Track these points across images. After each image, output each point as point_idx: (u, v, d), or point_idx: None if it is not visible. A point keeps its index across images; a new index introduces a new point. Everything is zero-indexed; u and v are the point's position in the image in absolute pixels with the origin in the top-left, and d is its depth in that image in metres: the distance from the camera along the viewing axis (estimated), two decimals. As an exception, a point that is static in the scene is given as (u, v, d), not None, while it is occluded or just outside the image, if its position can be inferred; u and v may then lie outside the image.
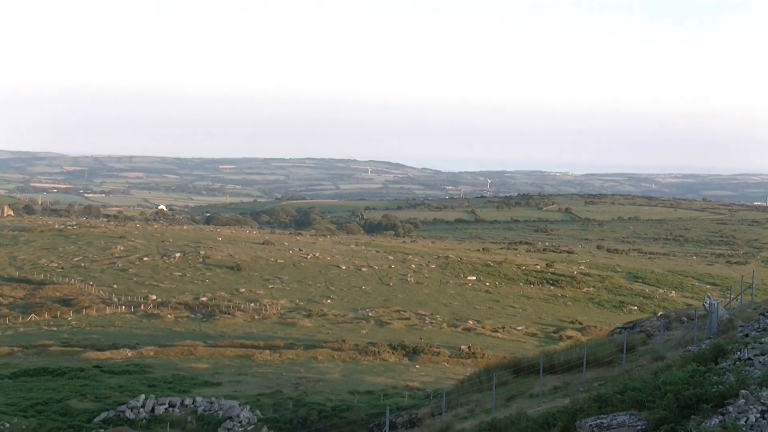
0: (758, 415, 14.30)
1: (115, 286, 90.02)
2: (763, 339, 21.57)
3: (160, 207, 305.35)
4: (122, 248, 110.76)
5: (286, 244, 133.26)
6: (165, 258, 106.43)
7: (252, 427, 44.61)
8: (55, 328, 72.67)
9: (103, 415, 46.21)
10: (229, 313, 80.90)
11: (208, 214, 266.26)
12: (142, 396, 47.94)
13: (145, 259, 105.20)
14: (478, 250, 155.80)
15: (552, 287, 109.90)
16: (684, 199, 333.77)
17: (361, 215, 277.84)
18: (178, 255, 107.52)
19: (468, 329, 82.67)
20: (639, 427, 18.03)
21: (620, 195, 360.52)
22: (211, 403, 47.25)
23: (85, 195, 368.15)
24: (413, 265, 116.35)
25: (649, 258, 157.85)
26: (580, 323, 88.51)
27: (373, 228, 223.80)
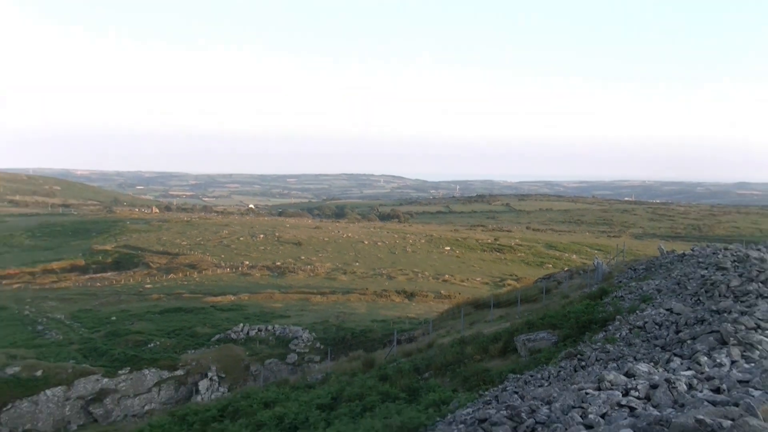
0: (627, 331, 14.49)
1: (222, 256, 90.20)
2: (630, 284, 21.74)
3: (250, 206, 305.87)
4: (226, 232, 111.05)
5: (329, 228, 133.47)
6: (253, 237, 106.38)
7: (310, 342, 45.01)
8: (186, 283, 73.11)
9: (217, 336, 46.75)
10: (294, 272, 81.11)
11: (280, 210, 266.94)
12: (241, 324, 48.44)
13: (241, 238, 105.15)
14: (451, 230, 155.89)
15: (498, 253, 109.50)
16: (581, 197, 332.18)
17: (377, 209, 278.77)
18: (261, 236, 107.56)
19: (445, 281, 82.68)
20: (553, 340, 18.26)
21: (541, 195, 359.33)
22: (285, 328, 47.68)
23: (203, 199, 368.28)
24: (410, 240, 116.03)
25: (559, 234, 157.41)
26: (516, 276, 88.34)
27: (384, 217, 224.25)
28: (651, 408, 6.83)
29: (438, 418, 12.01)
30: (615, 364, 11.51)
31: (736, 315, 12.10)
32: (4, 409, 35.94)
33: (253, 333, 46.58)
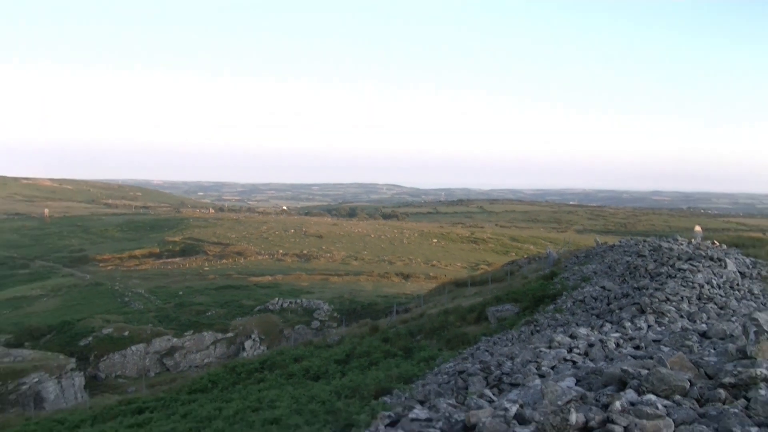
0: (571, 303, 14.50)
1: (262, 246, 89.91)
2: (573, 267, 21.72)
3: (283, 207, 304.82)
4: (265, 228, 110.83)
5: (344, 225, 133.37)
6: (285, 232, 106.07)
7: (329, 312, 44.99)
8: (234, 266, 73.04)
9: (258, 307, 46.77)
10: (317, 258, 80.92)
11: (306, 211, 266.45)
12: (277, 298, 48.46)
13: (276, 232, 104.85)
14: (437, 227, 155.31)
15: (473, 244, 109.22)
16: (537, 201, 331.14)
17: (380, 211, 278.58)
18: (292, 230, 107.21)
19: (433, 265, 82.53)
20: (515, 311, 18.24)
21: (506, 200, 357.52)
22: (310, 301, 47.68)
23: (248, 202, 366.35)
24: (406, 234, 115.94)
25: (520, 229, 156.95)
26: (487, 262, 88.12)
27: (386, 216, 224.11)
28: (589, 361, 6.87)
29: (427, 371, 12.02)
30: (562, 329, 11.55)
31: (651, 291, 12.14)
32: (102, 359, 36.14)
33: (285, 305, 46.59)
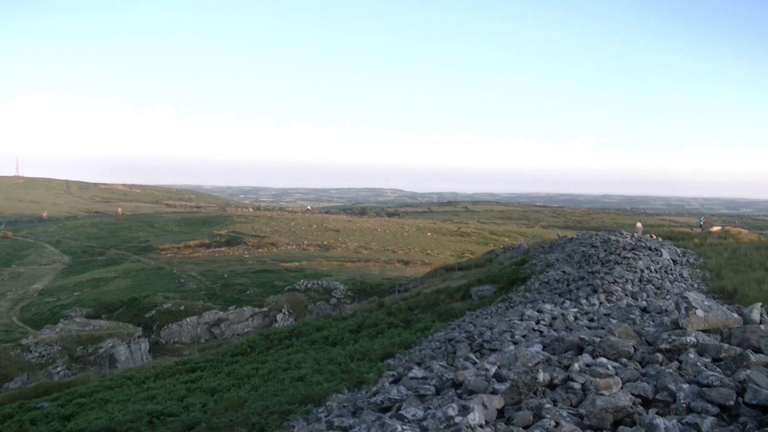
0: (538, 284, 14.46)
1: (290, 238, 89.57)
2: (540, 256, 21.63)
3: (308, 207, 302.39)
4: (293, 223, 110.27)
5: (356, 221, 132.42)
6: (309, 226, 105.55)
7: (344, 291, 44.85)
8: (269, 254, 72.66)
9: (288, 287, 46.56)
10: (334, 248, 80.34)
11: (326, 210, 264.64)
12: (302, 279, 48.28)
13: (302, 227, 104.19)
14: (431, 223, 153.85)
15: (460, 237, 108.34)
16: (511, 203, 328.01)
17: (386, 210, 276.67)
18: (314, 226, 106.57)
19: (428, 254, 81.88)
20: (493, 290, 18.16)
21: (486, 201, 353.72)
22: (329, 282, 47.52)
23: (280, 203, 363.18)
24: (406, 229, 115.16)
25: (497, 225, 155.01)
26: (471, 251, 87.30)
27: (390, 214, 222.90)
28: (552, 331, 6.86)
29: (423, 338, 12.02)
30: (531, 305, 11.53)
31: (602, 274, 12.09)
32: (163, 328, 36.27)
33: (309, 285, 46.46)
